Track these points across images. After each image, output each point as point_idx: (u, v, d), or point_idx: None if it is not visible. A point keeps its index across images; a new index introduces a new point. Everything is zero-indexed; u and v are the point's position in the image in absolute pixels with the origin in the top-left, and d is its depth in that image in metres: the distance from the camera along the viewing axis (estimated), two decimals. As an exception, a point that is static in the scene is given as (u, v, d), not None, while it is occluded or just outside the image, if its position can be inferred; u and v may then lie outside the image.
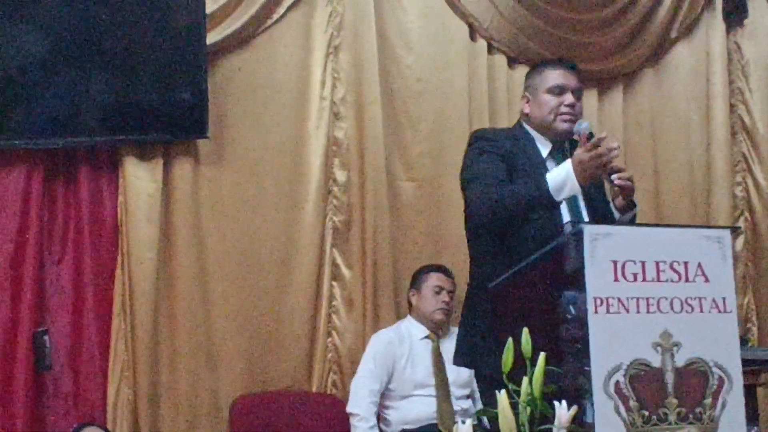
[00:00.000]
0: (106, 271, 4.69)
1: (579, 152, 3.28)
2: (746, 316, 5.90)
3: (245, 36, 4.95)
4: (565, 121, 3.60)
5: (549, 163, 3.55)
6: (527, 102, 3.69)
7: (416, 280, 4.93)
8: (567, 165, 3.28)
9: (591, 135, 3.47)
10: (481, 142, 3.64)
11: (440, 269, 4.93)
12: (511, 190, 3.39)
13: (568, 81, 3.66)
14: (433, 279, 4.88)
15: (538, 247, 3.01)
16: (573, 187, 3.26)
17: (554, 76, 3.66)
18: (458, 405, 4.73)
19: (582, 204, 3.51)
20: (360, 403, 4.69)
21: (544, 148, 3.62)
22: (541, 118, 3.62)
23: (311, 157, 5.04)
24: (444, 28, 5.34)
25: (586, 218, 3.46)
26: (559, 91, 3.63)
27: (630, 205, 3.50)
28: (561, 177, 3.27)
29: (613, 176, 3.40)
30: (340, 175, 5.08)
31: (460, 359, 3.68)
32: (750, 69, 5.99)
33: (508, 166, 3.52)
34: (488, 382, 3.21)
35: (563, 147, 3.65)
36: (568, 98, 3.62)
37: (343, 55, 5.12)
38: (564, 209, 3.43)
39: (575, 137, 3.54)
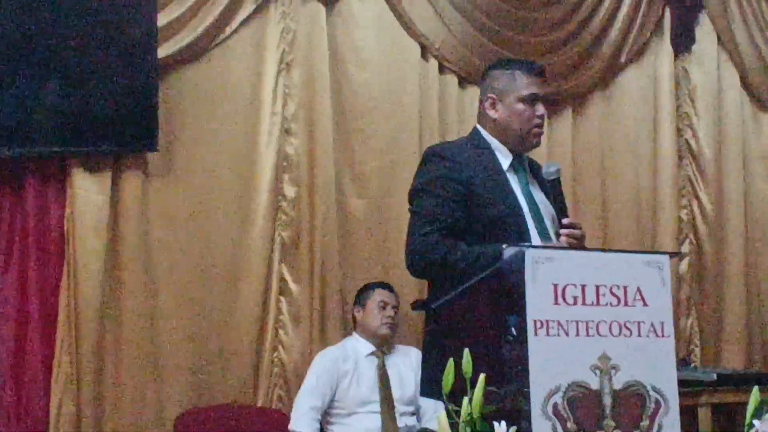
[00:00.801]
0: (51, 282, 4.65)
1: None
2: (690, 337, 5.98)
3: (197, 50, 4.95)
4: (536, 135, 3.48)
5: (511, 176, 3.44)
6: (492, 105, 3.48)
7: (360, 297, 4.95)
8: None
9: (558, 181, 3.42)
10: (437, 163, 3.42)
11: (384, 285, 4.95)
12: (463, 254, 3.22)
13: (540, 89, 3.49)
14: (378, 294, 4.90)
15: None
16: None
17: (529, 84, 3.46)
18: (403, 422, 4.74)
19: (550, 228, 3.40)
20: (301, 421, 4.69)
21: (505, 159, 3.46)
22: (512, 128, 3.45)
23: (261, 172, 5.04)
24: (396, 47, 5.37)
25: (552, 237, 3.37)
26: (532, 100, 3.45)
27: None
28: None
29: (562, 231, 3.30)
30: (290, 191, 5.09)
31: (430, 390, 3.32)
32: (697, 94, 6.09)
33: (466, 190, 3.34)
34: None
35: (522, 159, 3.53)
36: (540, 109, 3.46)
37: (295, 71, 5.13)
38: (534, 233, 3.34)
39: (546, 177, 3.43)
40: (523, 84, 3.46)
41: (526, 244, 3.16)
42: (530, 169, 3.60)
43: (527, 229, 3.35)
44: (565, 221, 3.36)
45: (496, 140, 3.49)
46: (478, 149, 3.47)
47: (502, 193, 3.38)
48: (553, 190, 3.50)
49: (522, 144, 3.49)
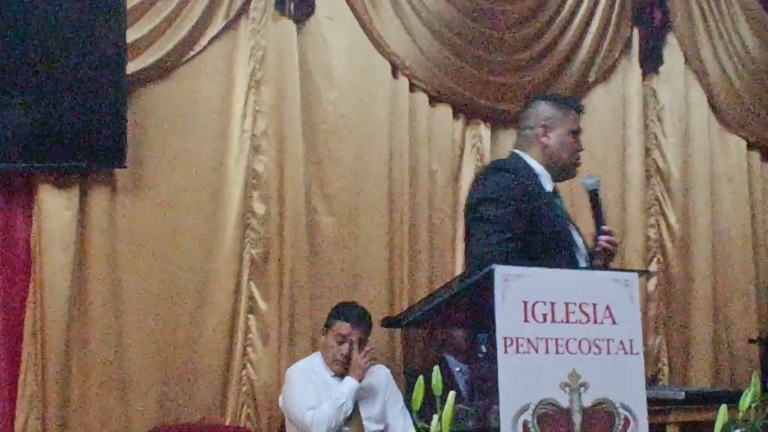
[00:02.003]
0: (17, 299, 4.60)
1: None
2: (658, 356, 6.01)
3: (167, 66, 4.93)
4: (578, 166, 3.80)
5: (554, 200, 3.70)
6: (545, 133, 3.74)
7: (328, 319, 4.81)
8: None
9: (596, 193, 3.74)
10: (505, 175, 3.62)
11: (350, 317, 4.74)
12: None
13: (580, 126, 3.83)
14: (338, 328, 4.73)
15: None
16: None
17: (576, 119, 3.79)
18: (371, 440, 4.73)
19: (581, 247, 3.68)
20: (306, 404, 4.59)
21: (548, 184, 3.71)
22: (560, 156, 3.72)
23: (230, 189, 5.02)
24: (367, 65, 5.38)
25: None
26: (578, 135, 3.77)
27: (606, 265, 3.62)
28: None
29: (601, 237, 3.60)
30: (259, 208, 5.07)
31: None
32: (665, 114, 6.15)
33: (530, 204, 3.55)
34: None
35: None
36: (582, 145, 3.79)
37: (265, 88, 5.12)
38: (579, 249, 3.64)
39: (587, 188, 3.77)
40: (573, 119, 3.79)
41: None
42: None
43: (575, 245, 3.61)
44: (603, 228, 3.72)
45: (540, 166, 3.72)
46: (526, 172, 3.70)
47: (554, 214, 3.63)
48: (592, 200, 3.81)
49: (565, 172, 3.78)
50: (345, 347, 4.71)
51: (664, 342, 6.06)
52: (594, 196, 3.82)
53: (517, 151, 3.80)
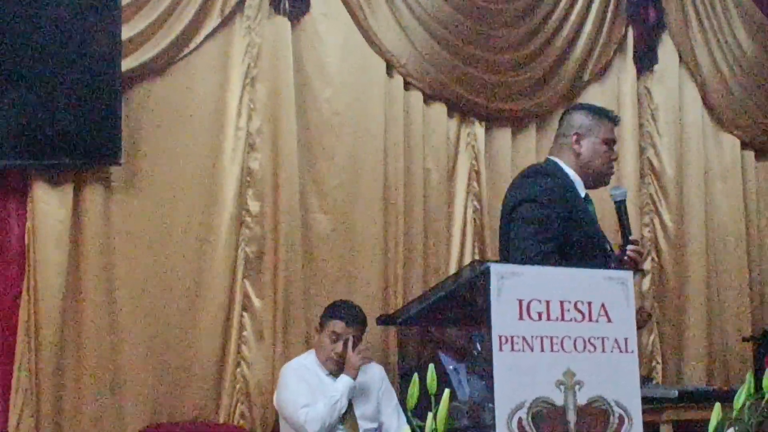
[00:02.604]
0: (11, 296, 4.60)
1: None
2: (651, 354, 6.02)
3: (162, 63, 4.92)
4: (611, 176, 3.90)
5: (587, 206, 3.78)
6: (577, 141, 3.82)
7: (322, 318, 4.84)
8: None
9: (623, 204, 3.84)
10: (546, 178, 3.73)
11: (342, 316, 4.76)
12: None
13: (616, 136, 3.94)
14: (332, 326, 4.75)
15: None
16: None
17: (611, 129, 3.88)
18: (366, 439, 4.73)
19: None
20: (300, 402, 4.60)
21: (581, 191, 3.79)
22: (593, 165, 3.80)
23: (225, 187, 5.02)
24: (361, 63, 5.38)
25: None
26: (612, 144, 3.86)
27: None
28: None
29: (629, 247, 3.71)
30: (254, 206, 5.07)
31: None
32: (659, 113, 6.16)
33: (569, 208, 3.65)
34: None
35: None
36: (616, 154, 3.90)
37: (260, 86, 5.12)
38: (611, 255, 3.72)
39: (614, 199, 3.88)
40: (607, 128, 3.87)
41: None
42: None
43: (607, 252, 3.70)
44: (631, 238, 3.84)
45: (573, 173, 3.80)
46: (562, 178, 3.79)
47: (588, 219, 3.70)
48: (619, 210, 3.92)
49: (597, 180, 3.86)
50: (339, 345, 4.72)
51: (658, 340, 6.07)
52: (621, 207, 3.94)
53: (552, 157, 3.89)
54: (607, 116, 3.94)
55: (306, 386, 4.66)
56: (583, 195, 3.80)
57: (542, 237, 3.56)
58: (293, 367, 4.77)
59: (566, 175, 3.79)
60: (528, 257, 3.51)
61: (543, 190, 3.68)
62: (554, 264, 3.40)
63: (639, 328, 3.82)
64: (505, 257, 3.71)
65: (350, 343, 4.71)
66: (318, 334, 4.83)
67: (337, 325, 4.74)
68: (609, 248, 3.83)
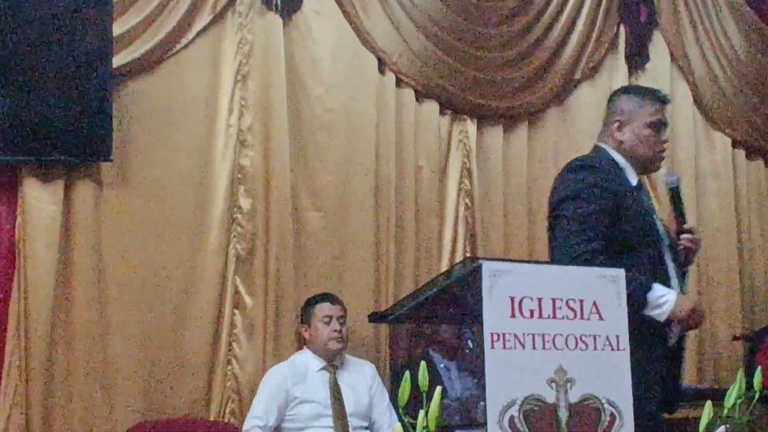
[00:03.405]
0: (1, 292, 4.58)
1: (697, 305, 3.43)
2: (642, 353, 6.01)
3: (153, 60, 4.91)
4: (661, 160, 3.70)
5: (639, 194, 3.64)
6: (619, 128, 3.65)
7: (305, 315, 4.92)
8: (672, 294, 3.39)
9: (677, 191, 3.68)
10: (588, 172, 3.57)
11: (325, 298, 4.92)
12: None
13: (664, 117, 3.69)
14: (321, 310, 4.86)
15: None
16: (662, 315, 3.37)
17: (655, 110, 3.67)
18: (357, 436, 4.73)
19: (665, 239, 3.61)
20: (255, 411, 4.68)
21: (632, 177, 3.64)
22: (639, 151, 3.63)
23: (216, 184, 5.01)
24: (353, 60, 5.37)
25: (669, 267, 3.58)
26: (659, 127, 3.65)
27: (687, 263, 3.64)
28: (663, 299, 3.37)
29: (683, 236, 3.59)
30: (245, 203, 5.06)
31: None
32: (651, 111, 6.15)
33: (615, 201, 3.50)
34: None
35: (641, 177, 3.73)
36: (665, 136, 3.67)
37: (251, 83, 5.11)
38: (664, 245, 3.57)
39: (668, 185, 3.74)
40: (650, 110, 3.66)
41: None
42: None
43: (661, 240, 3.54)
44: (686, 226, 3.69)
45: (623, 159, 3.65)
46: (610, 166, 3.63)
47: (639, 208, 3.54)
48: (674, 197, 3.77)
49: (646, 167, 3.71)
50: (335, 324, 4.81)
51: (649, 339, 6.06)
52: (675, 193, 3.79)
53: (600, 143, 3.73)
54: (652, 97, 3.74)
55: (277, 402, 4.70)
56: (634, 183, 3.63)
57: (586, 236, 3.43)
58: (275, 376, 4.80)
59: (614, 163, 3.64)
60: (571, 257, 3.41)
61: (585, 186, 3.53)
62: (600, 264, 3.30)
63: (693, 328, 3.69)
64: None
65: (343, 321, 4.85)
66: (307, 330, 4.87)
67: (326, 307, 4.86)
68: (665, 238, 3.65)
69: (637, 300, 3.30)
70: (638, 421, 3.38)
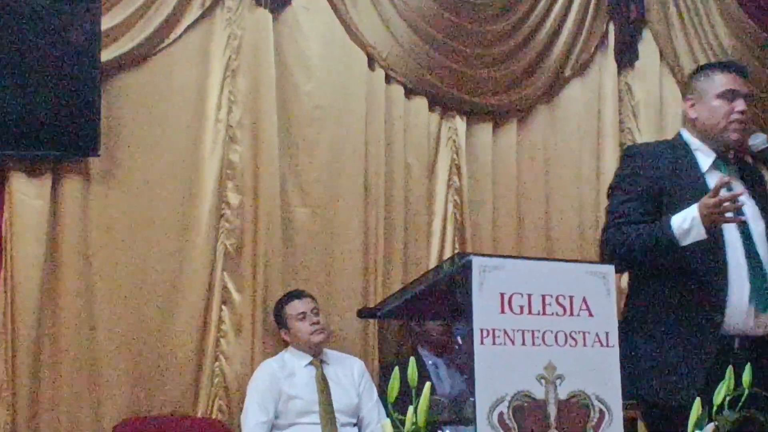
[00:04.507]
0: (-13, 287, 4.57)
1: (705, 198, 3.21)
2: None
3: (142, 54, 4.89)
4: (735, 130, 3.47)
5: (711, 176, 3.44)
6: (692, 106, 3.53)
7: (279, 318, 4.90)
8: (693, 210, 3.21)
9: (763, 155, 3.46)
10: (628, 161, 3.55)
11: (292, 296, 4.90)
12: (637, 234, 3.33)
13: (739, 86, 3.51)
14: (292, 308, 4.85)
15: (698, 279, 3.22)
16: (699, 233, 3.20)
17: (726, 81, 3.50)
18: (344, 432, 4.72)
19: (755, 235, 3.42)
20: (257, 419, 4.65)
21: (707, 158, 3.49)
22: (710, 124, 3.47)
23: (205, 179, 4.99)
24: (343, 56, 5.36)
25: (759, 250, 3.40)
26: (731, 96, 3.47)
27: None
28: (687, 222, 3.22)
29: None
30: (234, 199, 5.05)
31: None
32: (640, 109, 6.16)
33: (655, 187, 3.42)
34: (650, 406, 3.41)
35: (727, 157, 3.54)
36: (740, 104, 3.47)
37: (240, 78, 5.09)
38: (730, 229, 3.37)
39: (753, 150, 3.48)
40: (720, 81, 3.51)
41: None
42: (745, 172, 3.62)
43: (720, 226, 3.34)
44: None
45: (697, 140, 3.52)
46: (677, 150, 3.53)
47: (694, 191, 3.37)
48: (764, 161, 3.56)
49: (720, 140, 3.49)
50: (311, 317, 4.81)
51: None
52: (763, 157, 3.54)
53: (681, 128, 3.64)
54: (720, 68, 3.59)
55: (271, 396, 4.69)
56: (705, 166, 3.48)
57: (616, 223, 3.42)
58: (266, 372, 4.78)
59: (684, 146, 3.52)
60: (605, 246, 3.45)
61: (624, 176, 3.53)
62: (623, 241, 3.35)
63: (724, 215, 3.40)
64: None
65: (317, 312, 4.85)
66: (286, 331, 4.86)
67: (296, 305, 4.84)
68: (733, 226, 3.41)
69: (666, 243, 3.26)
70: (654, 417, 3.32)
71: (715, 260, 3.34)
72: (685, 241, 3.24)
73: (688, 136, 3.56)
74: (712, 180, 3.39)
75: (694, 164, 3.49)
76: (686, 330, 3.35)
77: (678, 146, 3.55)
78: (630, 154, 3.64)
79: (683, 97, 3.68)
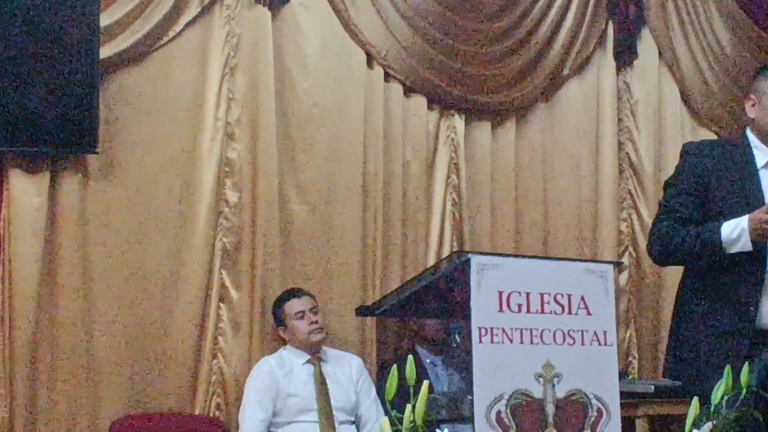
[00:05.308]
0: (-15, 285, 4.56)
1: (758, 212, 3.34)
2: (627, 349, 6.03)
3: (140, 51, 4.88)
4: None
5: (764, 173, 3.60)
6: (752, 106, 3.66)
7: (277, 317, 4.90)
8: (743, 221, 3.34)
9: None
10: (683, 158, 3.74)
11: (291, 295, 4.89)
12: (686, 235, 3.48)
13: None
14: (291, 307, 4.84)
15: (739, 277, 3.35)
16: (746, 244, 3.34)
17: None
18: (342, 430, 4.71)
19: None
20: (256, 416, 4.66)
21: (764, 156, 3.63)
22: (766, 124, 3.62)
23: (203, 176, 4.98)
24: (342, 54, 5.35)
25: None
26: None
27: None
28: (736, 232, 3.36)
29: None
30: (232, 197, 5.04)
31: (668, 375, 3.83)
32: (638, 108, 6.16)
33: (705, 183, 3.58)
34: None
35: None
36: None
37: (239, 76, 5.08)
38: None
39: None
40: None
41: None
42: None
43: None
44: None
45: (757, 139, 3.66)
46: (736, 146, 3.69)
47: (745, 188, 3.55)
48: None
49: None
50: (309, 316, 4.81)
51: (635, 335, 6.08)
52: None
53: (746, 126, 3.77)
54: None
55: (270, 393, 4.69)
56: (761, 163, 3.61)
57: (665, 218, 3.61)
58: (263, 370, 4.79)
59: (744, 144, 3.66)
60: (650, 241, 3.65)
61: (677, 173, 3.73)
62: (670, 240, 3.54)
63: None
64: None
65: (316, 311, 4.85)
66: (284, 330, 4.86)
67: (295, 303, 4.84)
68: None
69: (713, 248, 3.41)
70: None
71: (754, 257, 3.46)
72: (732, 250, 3.40)
73: (749, 134, 3.70)
74: (766, 176, 3.57)
75: (750, 160, 3.64)
76: (722, 322, 3.45)
77: (738, 143, 3.71)
78: (684, 152, 3.81)
79: (746, 95, 3.77)
